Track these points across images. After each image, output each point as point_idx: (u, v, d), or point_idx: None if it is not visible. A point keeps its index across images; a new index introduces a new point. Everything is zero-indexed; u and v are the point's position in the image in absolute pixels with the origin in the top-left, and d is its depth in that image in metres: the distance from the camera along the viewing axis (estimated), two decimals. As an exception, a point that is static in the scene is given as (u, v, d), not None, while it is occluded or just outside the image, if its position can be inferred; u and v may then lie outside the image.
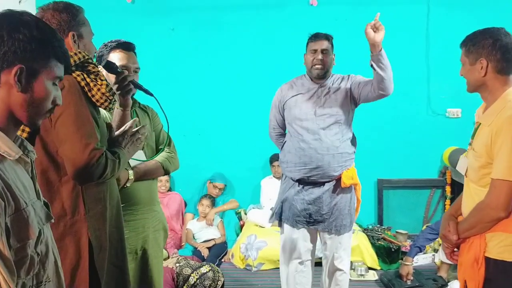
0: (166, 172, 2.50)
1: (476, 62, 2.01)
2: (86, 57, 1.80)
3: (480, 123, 2.06)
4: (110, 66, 2.15)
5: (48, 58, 1.23)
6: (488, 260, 1.97)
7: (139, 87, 2.23)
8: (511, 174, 1.88)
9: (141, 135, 2.03)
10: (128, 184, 2.29)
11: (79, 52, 1.79)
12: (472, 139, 2.11)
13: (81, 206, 1.79)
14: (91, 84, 1.80)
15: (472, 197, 2.07)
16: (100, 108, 2.34)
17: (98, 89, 1.81)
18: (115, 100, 1.92)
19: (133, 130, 2.02)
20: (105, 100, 1.84)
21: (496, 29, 2.02)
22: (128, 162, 2.24)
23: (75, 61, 1.76)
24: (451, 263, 2.90)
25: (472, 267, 2.01)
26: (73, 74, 1.77)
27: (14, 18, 1.21)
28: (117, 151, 1.88)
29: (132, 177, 2.30)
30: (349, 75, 3.17)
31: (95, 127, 1.79)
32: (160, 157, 2.48)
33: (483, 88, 2.05)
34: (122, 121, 2.17)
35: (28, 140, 1.29)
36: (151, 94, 2.20)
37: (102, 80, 1.83)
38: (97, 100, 1.82)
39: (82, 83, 1.78)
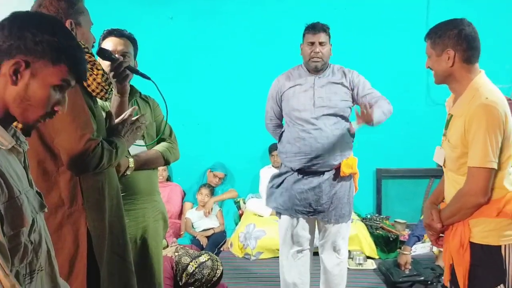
0: (167, 162, 2.49)
1: (443, 53, 2.06)
2: (82, 47, 1.79)
3: (452, 115, 2.11)
4: (103, 53, 2.13)
5: (55, 62, 1.22)
6: (473, 245, 2.03)
7: (136, 72, 2.20)
8: (486, 161, 1.94)
9: (141, 124, 2.03)
10: (128, 172, 2.28)
11: None
12: (446, 129, 2.16)
13: (78, 196, 1.79)
14: (87, 74, 1.79)
15: (453, 185, 2.12)
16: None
17: (94, 79, 1.80)
18: (111, 90, 1.90)
19: (133, 118, 2.01)
20: (101, 90, 1.83)
21: (459, 19, 2.07)
22: (128, 150, 2.24)
23: None
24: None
25: (458, 252, 2.06)
26: None
27: (32, 17, 1.22)
28: (115, 140, 1.87)
29: (133, 165, 2.29)
30: (350, 71, 3.15)
31: (91, 117, 1.78)
32: (160, 146, 2.47)
33: (451, 79, 2.09)
34: (120, 108, 2.16)
35: (24, 130, 1.29)
36: (148, 78, 2.16)
37: (98, 69, 1.81)
38: (93, 90, 1.81)
39: None
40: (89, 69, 1.79)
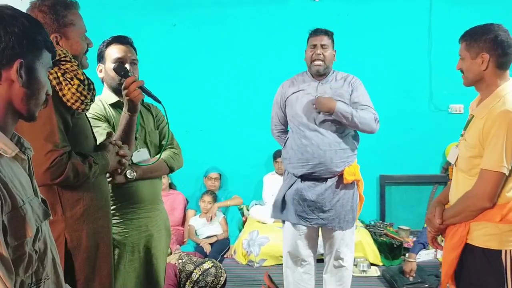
0: (171, 170, 2.48)
1: (477, 56, 2.07)
2: (63, 56, 1.75)
3: (474, 116, 2.14)
4: (120, 70, 2.13)
5: (41, 49, 1.22)
6: (474, 248, 2.06)
7: (148, 94, 2.20)
8: (499, 165, 1.96)
9: (124, 154, 1.99)
10: (130, 176, 2.25)
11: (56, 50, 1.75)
12: (465, 130, 2.19)
13: (58, 206, 1.77)
14: (63, 83, 1.75)
15: (461, 186, 2.13)
16: (100, 110, 2.30)
17: (69, 89, 1.75)
18: (90, 101, 1.85)
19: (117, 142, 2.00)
20: (76, 101, 1.77)
21: (496, 25, 2.09)
22: (132, 158, 2.23)
23: None
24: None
25: (452, 249, 2.11)
26: None
27: (3, 13, 1.18)
28: (93, 154, 1.85)
29: (131, 176, 2.26)
30: (353, 78, 3.16)
31: (58, 128, 1.75)
32: (163, 154, 2.46)
33: (481, 82, 2.12)
34: (128, 126, 2.15)
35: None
36: (159, 101, 2.20)
37: (78, 79, 1.77)
38: (68, 100, 1.76)
39: (54, 82, 1.73)
40: (68, 79, 1.76)
